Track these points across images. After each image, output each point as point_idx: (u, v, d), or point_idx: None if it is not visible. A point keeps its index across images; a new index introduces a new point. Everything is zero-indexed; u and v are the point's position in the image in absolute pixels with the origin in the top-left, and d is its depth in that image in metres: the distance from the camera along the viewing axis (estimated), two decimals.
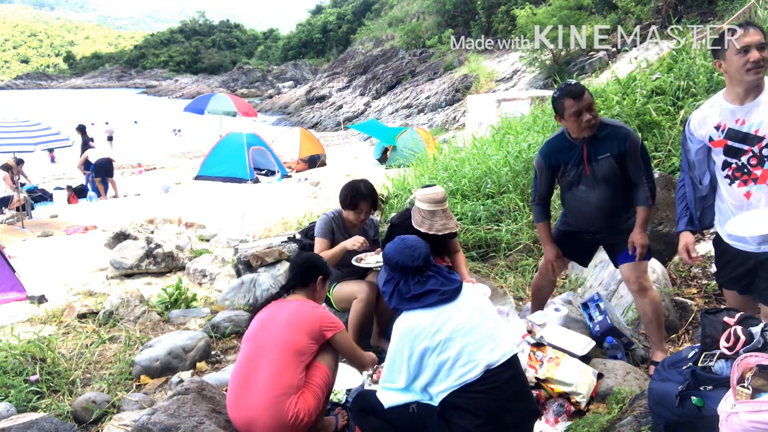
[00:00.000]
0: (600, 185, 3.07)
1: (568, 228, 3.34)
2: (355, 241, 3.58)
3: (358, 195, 3.67)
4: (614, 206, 3.11)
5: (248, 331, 2.76)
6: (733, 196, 2.57)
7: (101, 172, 13.17)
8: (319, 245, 3.76)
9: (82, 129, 14.65)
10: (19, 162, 12.13)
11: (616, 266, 3.29)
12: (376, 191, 3.81)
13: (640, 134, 5.21)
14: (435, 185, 3.58)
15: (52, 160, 18.50)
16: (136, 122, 33.52)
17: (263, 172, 15.14)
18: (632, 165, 3.02)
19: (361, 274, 3.90)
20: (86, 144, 14.53)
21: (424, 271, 2.40)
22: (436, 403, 2.31)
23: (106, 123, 24.27)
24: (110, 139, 23.34)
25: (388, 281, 2.46)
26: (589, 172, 3.07)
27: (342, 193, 3.74)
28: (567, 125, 3.04)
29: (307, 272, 2.88)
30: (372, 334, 3.84)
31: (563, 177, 3.18)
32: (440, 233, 3.37)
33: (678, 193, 2.83)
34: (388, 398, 2.43)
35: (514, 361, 2.37)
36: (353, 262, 3.61)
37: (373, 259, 3.65)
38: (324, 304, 3.06)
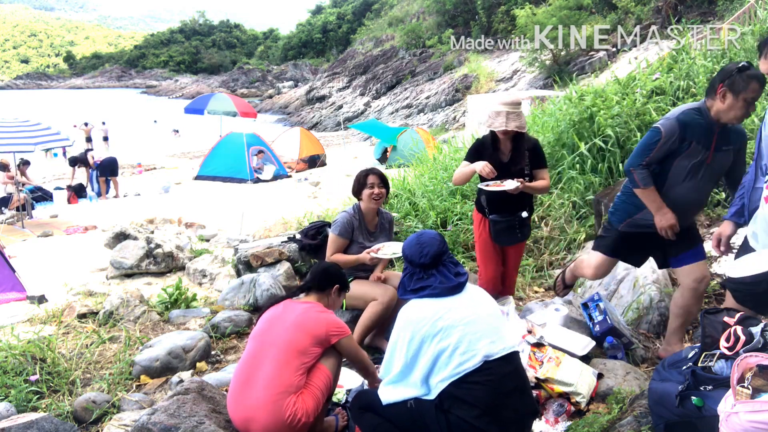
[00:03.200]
0: (712, 179, 2.94)
1: (641, 230, 3.05)
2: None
3: (365, 172, 3.80)
4: (706, 203, 3.04)
5: (255, 329, 2.79)
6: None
7: (106, 171, 13.21)
8: (335, 244, 3.76)
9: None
10: (25, 163, 12.15)
11: (676, 266, 3.13)
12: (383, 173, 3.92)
13: (640, 134, 5.22)
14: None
15: (64, 154, 18.28)
16: (155, 121, 33.35)
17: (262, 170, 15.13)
18: (741, 159, 2.97)
19: (371, 273, 3.89)
20: (89, 140, 14.60)
21: (429, 269, 2.44)
22: (433, 396, 2.33)
23: (103, 123, 24.22)
24: (106, 139, 23.34)
25: (403, 270, 2.55)
26: (710, 160, 2.87)
27: (353, 183, 3.85)
28: (728, 105, 2.73)
29: (326, 278, 2.91)
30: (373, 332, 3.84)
31: (686, 157, 2.84)
32: (497, 129, 3.50)
33: (743, 180, 2.78)
34: (387, 394, 2.44)
35: (514, 357, 2.40)
36: (371, 255, 3.60)
37: (389, 250, 3.66)
38: None
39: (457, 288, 2.41)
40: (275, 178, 14.69)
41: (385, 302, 3.55)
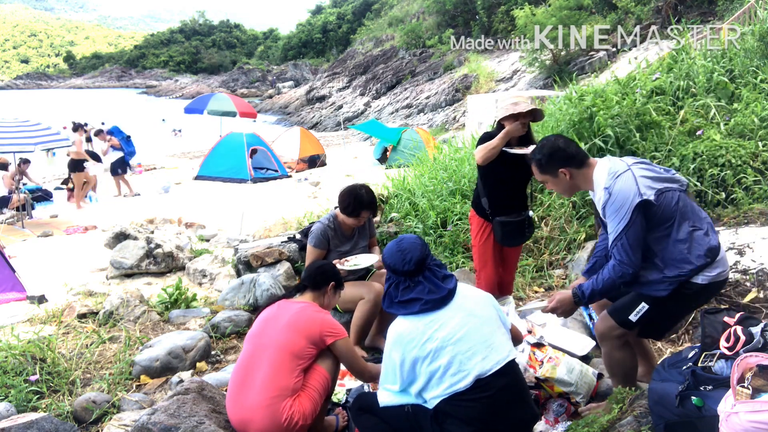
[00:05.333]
0: None
1: None
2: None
3: (361, 205, 3.66)
4: None
5: (251, 330, 2.77)
6: None
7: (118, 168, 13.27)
8: (312, 255, 3.74)
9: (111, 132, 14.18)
10: (25, 162, 12.15)
11: None
12: (376, 197, 3.82)
13: (639, 134, 5.21)
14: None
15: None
16: (164, 120, 33.09)
17: (264, 170, 15.11)
18: None
19: (363, 275, 3.90)
20: (89, 140, 14.58)
21: (415, 276, 2.36)
22: (430, 406, 2.31)
23: (102, 123, 24.26)
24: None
25: (387, 280, 2.47)
26: None
27: (344, 200, 3.71)
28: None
29: (321, 276, 2.89)
30: (369, 333, 3.84)
31: None
32: (523, 111, 3.41)
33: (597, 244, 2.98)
34: (385, 398, 2.44)
35: (510, 367, 2.33)
36: (338, 265, 3.57)
37: (354, 261, 3.66)
38: None
39: (447, 297, 2.34)
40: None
41: (371, 299, 3.56)
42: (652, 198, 2.40)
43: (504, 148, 3.48)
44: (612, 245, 2.47)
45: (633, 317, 2.53)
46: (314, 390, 2.58)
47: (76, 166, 11.85)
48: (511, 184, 3.69)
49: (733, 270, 3.66)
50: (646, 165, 2.55)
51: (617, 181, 2.45)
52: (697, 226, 2.47)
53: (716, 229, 4.18)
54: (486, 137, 3.66)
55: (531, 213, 3.78)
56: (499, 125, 3.59)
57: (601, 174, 2.53)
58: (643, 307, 2.51)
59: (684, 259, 2.43)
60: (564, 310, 2.69)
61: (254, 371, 2.57)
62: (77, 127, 12.65)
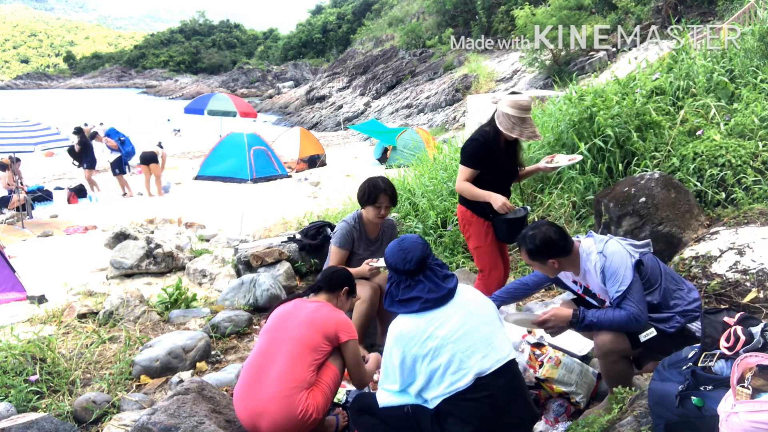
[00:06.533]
0: None
1: None
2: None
3: (377, 188, 3.67)
4: None
5: (266, 325, 2.82)
6: None
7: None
8: (336, 256, 3.72)
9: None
10: (16, 160, 12.12)
11: None
12: (394, 186, 3.82)
13: (639, 134, 5.21)
14: (521, 93, 3.67)
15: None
16: (169, 120, 32.89)
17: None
18: None
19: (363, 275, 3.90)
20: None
21: (416, 275, 2.37)
22: (431, 406, 2.31)
23: (101, 124, 24.28)
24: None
25: (389, 280, 2.49)
26: None
27: (360, 191, 3.73)
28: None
29: (335, 279, 2.97)
30: (377, 333, 3.85)
31: None
32: (530, 140, 3.45)
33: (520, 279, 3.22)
34: (384, 398, 2.44)
35: (509, 367, 2.33)
36: (371, 265, 3.62)
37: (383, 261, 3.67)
38: None
39: (447, 296, 2.35)
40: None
41: (368, 299, 3.57)
42: (639, 258, 2.67)
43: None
44: (616, 303, 2.64)
45: (642, 338, 2.64)
46: (326, 386, 2.63)
47: (151, 159, 12.94)
48: (499, 188, 3.71)
49: (733, 270, 3.66)
50: (620, 237, 2.82)
51: (607, 245, 2.70)
52: (680, 286, 2.74)
53: (716, 229, 4.20)
54: (483, 151, 3.60)
55: (528, 208, 3.83)
56: (494, 128, 3.58)
57: (588, 245, 2.77)
58: (652, 332, 2.63)
59: (686, 304, 2.68)
60: (556, 326, 2.73)
61: (270, 364, 2.61)
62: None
